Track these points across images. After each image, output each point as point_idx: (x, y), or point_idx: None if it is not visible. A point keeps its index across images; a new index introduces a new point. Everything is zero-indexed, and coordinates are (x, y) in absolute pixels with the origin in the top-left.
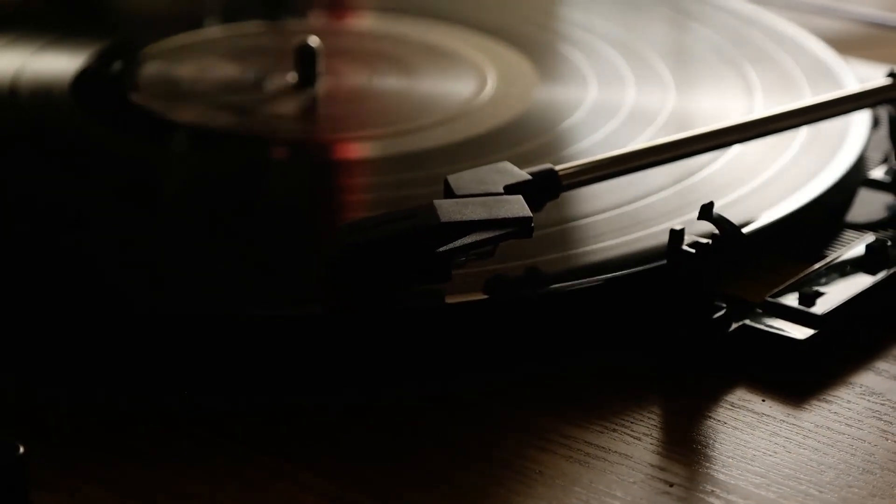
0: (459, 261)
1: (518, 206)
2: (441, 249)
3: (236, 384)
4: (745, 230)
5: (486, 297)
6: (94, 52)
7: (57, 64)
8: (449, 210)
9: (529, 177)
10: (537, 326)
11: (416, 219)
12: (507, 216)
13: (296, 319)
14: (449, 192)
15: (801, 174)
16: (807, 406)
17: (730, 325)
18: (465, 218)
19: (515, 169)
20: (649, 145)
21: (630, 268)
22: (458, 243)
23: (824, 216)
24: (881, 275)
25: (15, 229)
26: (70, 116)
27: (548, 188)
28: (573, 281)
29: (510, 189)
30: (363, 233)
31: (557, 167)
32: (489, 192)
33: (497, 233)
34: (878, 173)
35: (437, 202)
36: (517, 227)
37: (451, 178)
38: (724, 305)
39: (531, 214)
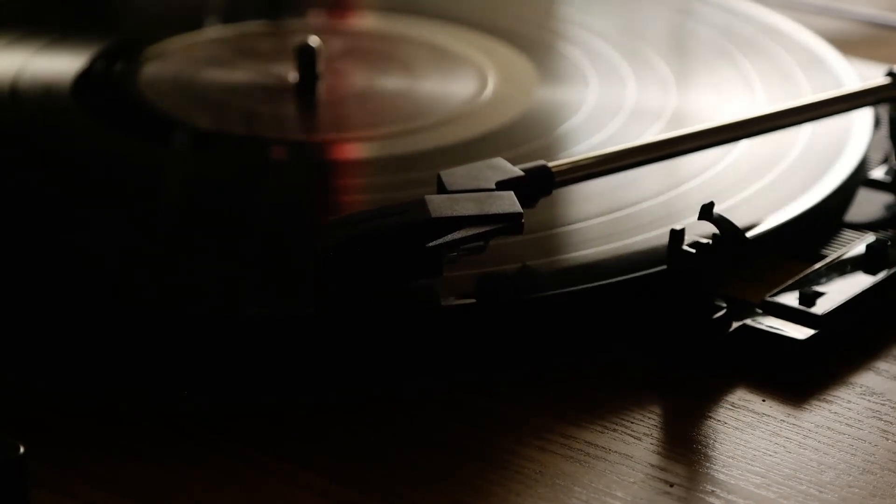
0: (451, 256)
1: (509, 202)
2: (431, 244)
3: (236, 384)
4: (749, 234)
5: (485, 299)
6: (95, 53)
7: (58, 64)
8: (439, 205)
9: (522, 173)
10: (538, 328)
11: (406, 214)
12: (497, 212)
13: (296, 320)
14: (441, 188)
15: (803, 177)
16: (807, 406)
17: (730, 325)
18: (455, 213)
19: (508, 165)
20: (643, 143)
21: (631, 271)
22: (447, 238)
23: (825, 217)
24: (881, 275)
25: (15, 229)
26: (71, 117)
27: (541, 185)
28: (574, 283)
29: (502, 185)
30: (353, 227)
31: (551, 163)
32: (481, 188)
33: (487, 228)
34: (878, 173)
35: (428, 197)
36: (508, 223)
37: (444, 174)
38: (725, 305)
39: (521, 210)
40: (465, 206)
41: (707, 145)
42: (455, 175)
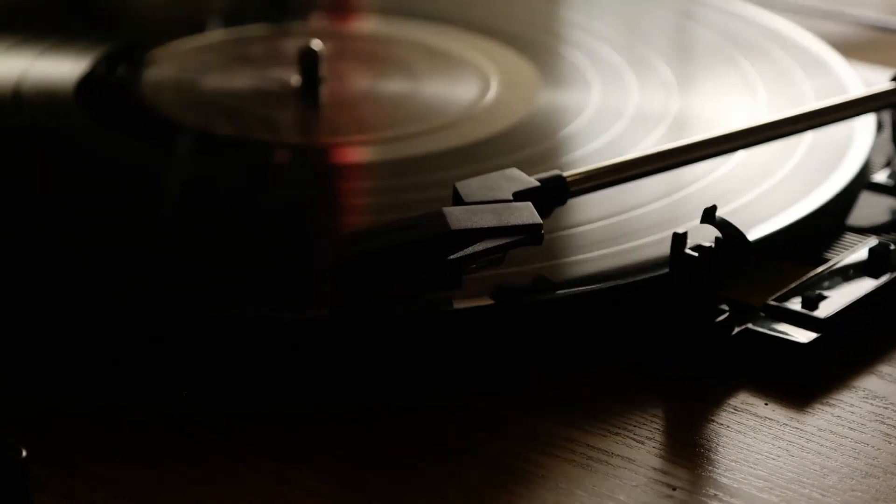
0: (470, 268)
1: (528, 213)
2: (452, 257)
3: (238, 387)
4: (752, 238)
5: (489, 302)
6: (98, 56)
7: (61, 67)
8: (459, 217)
9: (538, 183)
10: (541, 331)
11: (425, 227)
12: (517, 223)
13: (299, 323)
14: (458, 199)
15: (806, 180)
16: (810, 410)
17: (732, 329)
18: (475, 225)
19: (524, 175)
20: (656, 151)
21: (634, 275)
22: (468, 251)
23: (828, 220)
24: (884, 278)
25: (17, 231)
26: (74, 120)
27: (556, 194)
28: (577, 287)
29: (519, 196)
30: (372, 241)
31: (565, 173)
32: (498, 198)
33: (507, 240)
34: (880, 177)
35: (446, 210)
36: (527, 234)
37: (460, 185)
38: (727, 309)
39: (541, 221)
40: (485, 217)
41: (718, 153)
42: (471, 186)
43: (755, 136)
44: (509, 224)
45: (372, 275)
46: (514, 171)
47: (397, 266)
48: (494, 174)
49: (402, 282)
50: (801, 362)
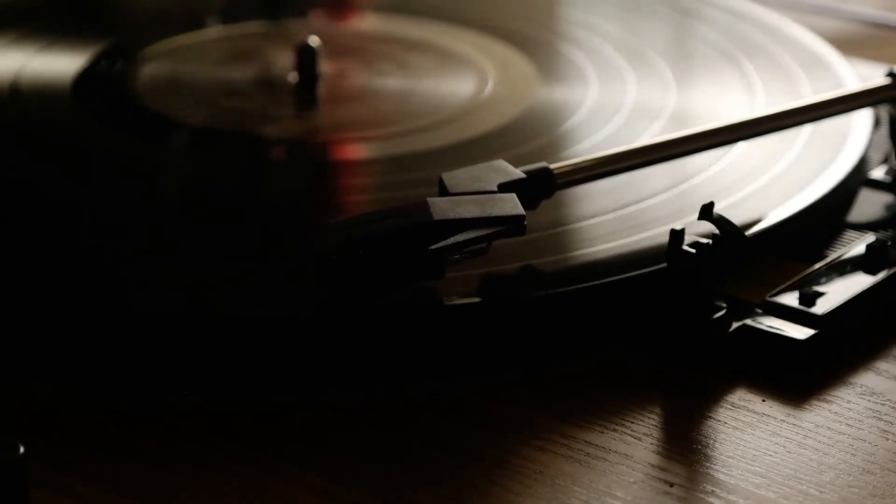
0: (453, 258)
1: (511, 205)
2: (433, 247)
3: (236, 384)
4: (747, 233)
5: (485, 298)
6: (95, 53)
7: (58, 64)
8: (442, 208)
9: (524, 175)
10: (537, 327)
11: (409, 216)
12: (500, 214)
13: (296, 320)
14: (443, 190)
15: (802, 175)
16: (807, 406)
17: (730, 326)
18: (457, 216)
19: (510, 167)
20: (645, 144)
21: (631, 270)
22: (450, 241)
23: (825, 216)
24: (881, 275)
25: (14, 229)
26: (70, 117)
27: (543, 186)
28: (574, 282)
29: (504, 187)
30: (355, 229)
31: (552, 165)
32: (483, 190)
33: (490, 231)
34: (878, 173)
35: (430, 200)
36: (510, 226)
37: (446, 176)
38: (725, 305)
39: (524, 212)
40: (468, 208)
41: (708, 146)
42: (457, 177)
43: (747, 131)
44: (492, 215)
45: (354, 264)
46: (501, 163)
47: (379, 255)
48: (481, 165)
49: (384, 271)
50: (799, 359)
